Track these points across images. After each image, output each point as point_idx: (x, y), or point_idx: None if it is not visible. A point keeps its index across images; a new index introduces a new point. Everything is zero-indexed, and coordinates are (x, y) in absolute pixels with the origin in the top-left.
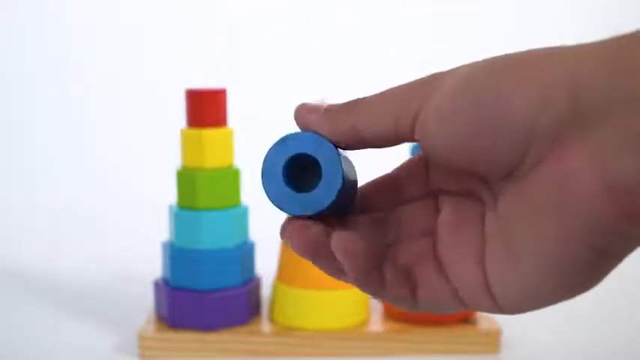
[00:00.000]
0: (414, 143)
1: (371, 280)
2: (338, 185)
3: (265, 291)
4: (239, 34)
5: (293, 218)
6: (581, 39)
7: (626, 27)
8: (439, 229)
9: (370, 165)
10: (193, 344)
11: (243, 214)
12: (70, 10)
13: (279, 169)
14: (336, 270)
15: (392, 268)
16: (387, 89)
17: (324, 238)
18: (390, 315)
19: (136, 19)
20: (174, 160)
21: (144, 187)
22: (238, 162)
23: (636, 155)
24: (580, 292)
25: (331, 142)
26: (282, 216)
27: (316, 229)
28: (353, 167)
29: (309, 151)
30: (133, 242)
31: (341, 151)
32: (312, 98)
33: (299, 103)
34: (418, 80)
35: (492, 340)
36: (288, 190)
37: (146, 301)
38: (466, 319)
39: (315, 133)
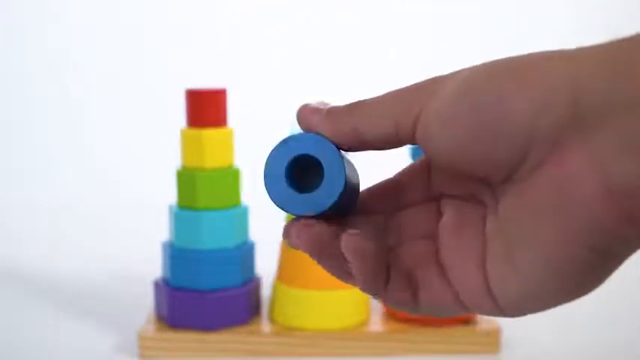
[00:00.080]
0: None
1: (377, 281)
2: (340, 186)
3: (265, 291)
4: (239, 34)
5: (297, 218)
6: (581, 39)
7: (626, 27)
8: (441, 232)
9: (370, 167)
10: (193, 344)
11: (243, 214)
12: (70, 10)
13: (281, 170)
14: (340, 270)
15: (394, 271)
16: (388, 92)
17: (329, 236)
18: (390, 315)
19: (136, 19)
20: (174, 160)
21: (144, 187)
22: (238, 162)
23: (636, 158)
24: (580, 294)
25: (333, 144)
26: (282, 216)
27: (320, 227)
28: (355, 169)
29: (312, 152)
30: (133, 242)
31: (343, 152)
32: (313, 100)
33: (301, 103)
34: (419, 83)
35: (492, 340)
36: (290, 191)
37: (146, 301)
38: (467, 321)
39: (318, 134)
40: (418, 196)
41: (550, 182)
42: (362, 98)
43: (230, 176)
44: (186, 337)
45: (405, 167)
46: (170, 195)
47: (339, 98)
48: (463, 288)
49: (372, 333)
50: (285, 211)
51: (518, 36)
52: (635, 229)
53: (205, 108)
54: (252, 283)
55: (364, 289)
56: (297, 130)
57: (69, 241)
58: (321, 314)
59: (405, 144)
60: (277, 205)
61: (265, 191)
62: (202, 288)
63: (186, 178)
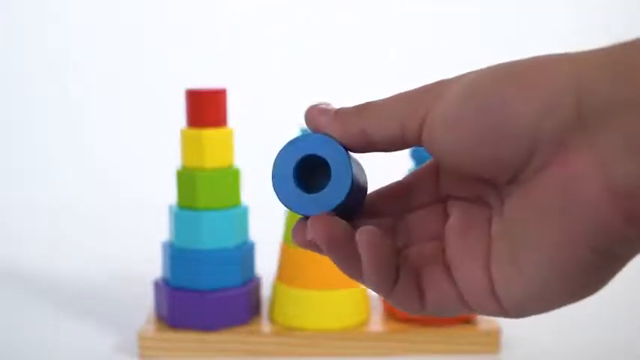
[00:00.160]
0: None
1: (387, 281)
2: (347, 186)
3: (265, 291)
4: (239, 34)
5: (304, 218)
6: (581, 39)
7: (626, 27)
8: (447, 234)
9: (369, 167)
10: (193, 344)
11: (243, 214)
12: (70, 10)
13: (289, 170)
14: (351, 268)
15: (403, 272)
16: (396, 94)
17: (343, 230)
18: (390, 315)
19: (136, 19)
20: (174, 160)
21: (144, 187)
22: (238, 162)
23: (636, 158)
24: (584, 295)
25: (341, 144)
26: (282, 216)
27: (335, 219)
28: (363, 170)
29: (319, 153)
30: (133, 242)
31: (351, 153)
32: (314, 101)
33: (309, 104)
34: (425, 86)
35: (492, 340)
36: (298, 191)
37: (146, 301)
38: (467, 321)
39: (325, 134)
40: (426, 198)
41: (555, 183)
42: (368, 100)
43: (230, 176)
44: (186, 337)
45: (413, 170)
46: (170, 195)
47: (339, 98)
48: (468, 289)
49: (372, 333)
50: (293, 210)
51: (518, 36)
52: (636, 229)
53: (205, 108)
54: (252, 283)
55: (374, 288)
56: (305, 130)
57: (69, 241)
58: (321, 314)
59: (412, 145)
60: (285, 205)
61: (272, 191)
62: (202, 288)
63: (186, 178)
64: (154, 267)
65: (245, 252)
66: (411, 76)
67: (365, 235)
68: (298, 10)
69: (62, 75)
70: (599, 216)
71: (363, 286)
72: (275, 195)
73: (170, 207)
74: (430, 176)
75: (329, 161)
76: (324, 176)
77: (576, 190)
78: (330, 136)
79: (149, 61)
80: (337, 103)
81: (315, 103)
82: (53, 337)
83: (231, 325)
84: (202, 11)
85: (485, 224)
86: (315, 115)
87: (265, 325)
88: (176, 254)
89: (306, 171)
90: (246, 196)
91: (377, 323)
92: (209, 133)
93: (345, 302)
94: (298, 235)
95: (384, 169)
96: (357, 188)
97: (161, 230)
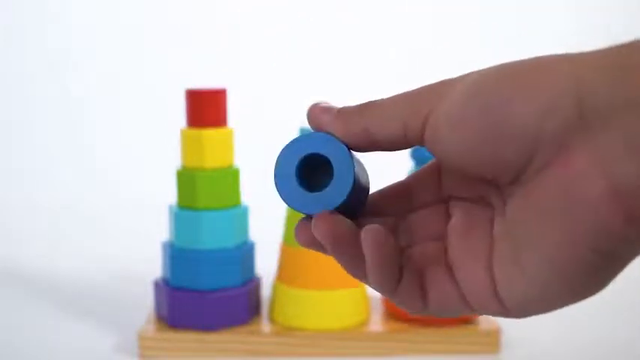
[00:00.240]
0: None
1: (390, 280)
2: (349, 185)
3: (265, 291)
4: (239, 34)
5: (306, 217)
6: (581, 39)
7: (626, 27)
8: (449, 234)
9: (370, 167)
10: (193, 344)
11: (243, 214)
12: (70, 10)
13: (292, 169)
14: (355, 268)
15: (406, 272)
16: (399, 93)
17: (347, 227)
18: (390, 315)
19: (136, 19)
20: (174, 160)
21: (144, 187)
22: (238, 162)
23: (636, 158)
24: (586, 296)
25: (343, 143)
26: (282, 216)
27: (338, 217)
28: (365, 169)
29: (322, 151)
30: (133, 242)
31: (353, 152)
32: (314, 100)
33: (311, 103)
34: (428, 86)
35: (492, 340)
36: (300, 190)
37: (146, 301)
38: (467, 321)
39: (328, 133)
40: (428, 198)
41: (556, 183)
42: (372, 99)
43: (230, 176)
44: (186, 337)
45: (416, 171)
46: (170, 195)
47: (340, 98)
48: (470, 289)
49: (372, 333)
50: (295, 209)
51: (518, 36)
52: (636, 229)
53: (205, 108)
54: (252, 283)
55: (378, 288)
56: (305, 130)
57: (69, 241)
58: (321, 314)
59: (414, 145)
60: (287, 204)
61: (274, 189)
62: (202, 288)
63: (186, 178)
64: (154, 267)
65: (245, 252)
66: (411, 76)
67: (370, 233)
68: (298, 10)
69: (62, 75)
70: (600, 216)
71: (363, 286)
72: (277, 194)
73: (170, 207)
74: (432, 176)
75: (331, 160)
76: (326, 175)
77: (577, 190)
78: (333, 135)
79: (149, 61)
80: (337, 103)
81: (317, 102)
82: (53, 337)
83: (231, 325)
84: (202, 11)
85: (488, 225)
86: (317, 113)
87: (265, 325)
88: (176, 254)
89: (308, 170)
90: (246, 196)
91: (377, 323)
92: (209, 133)
93: (345, 302)
94: (301, 234)
95: (384, 169)
96: (360, 187)
97: (161, 230)
